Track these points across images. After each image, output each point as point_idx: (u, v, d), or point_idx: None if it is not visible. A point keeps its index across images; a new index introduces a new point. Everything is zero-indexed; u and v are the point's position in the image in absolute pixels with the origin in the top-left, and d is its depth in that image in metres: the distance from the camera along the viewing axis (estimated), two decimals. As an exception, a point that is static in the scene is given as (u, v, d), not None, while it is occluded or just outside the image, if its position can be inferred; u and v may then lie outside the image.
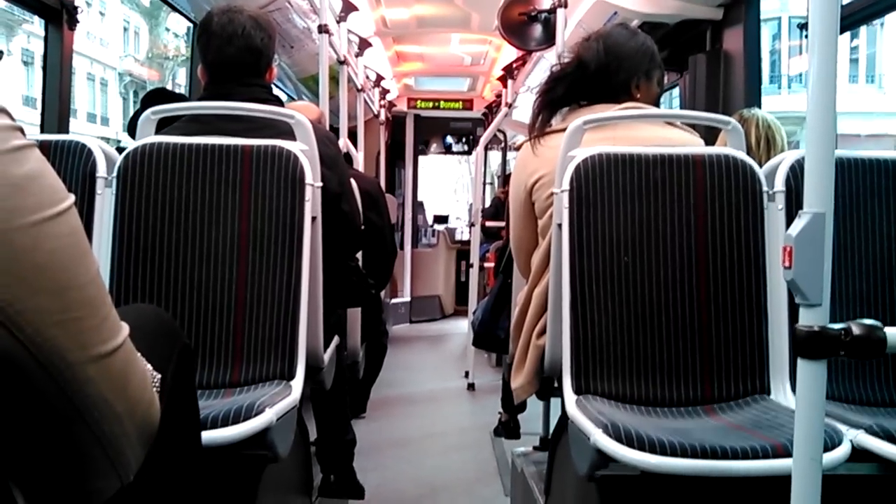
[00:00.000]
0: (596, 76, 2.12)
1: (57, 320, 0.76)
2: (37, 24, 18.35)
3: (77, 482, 0.86)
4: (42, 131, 2.80)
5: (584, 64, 2.13)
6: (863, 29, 19.30)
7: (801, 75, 19.60)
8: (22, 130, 0.76)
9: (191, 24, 4.22)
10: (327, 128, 3.24)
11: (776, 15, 19.12)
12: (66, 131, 2.87)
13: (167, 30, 26.70)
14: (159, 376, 1.03)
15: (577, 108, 2.15)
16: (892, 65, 20.76)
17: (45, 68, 2.86)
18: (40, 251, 0.74)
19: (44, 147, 0.77)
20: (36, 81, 20.37)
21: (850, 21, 2.86)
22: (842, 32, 1.13)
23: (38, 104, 2.91)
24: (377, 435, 4.25)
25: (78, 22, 2.82)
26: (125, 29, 26.54)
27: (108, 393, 0.82)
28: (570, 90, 2.15)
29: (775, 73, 20.28)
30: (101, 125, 24.29)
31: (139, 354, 0.92)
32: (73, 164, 1.98)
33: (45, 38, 2.85)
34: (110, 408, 0.83)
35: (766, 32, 19.01)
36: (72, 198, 0.79)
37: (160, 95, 3.03)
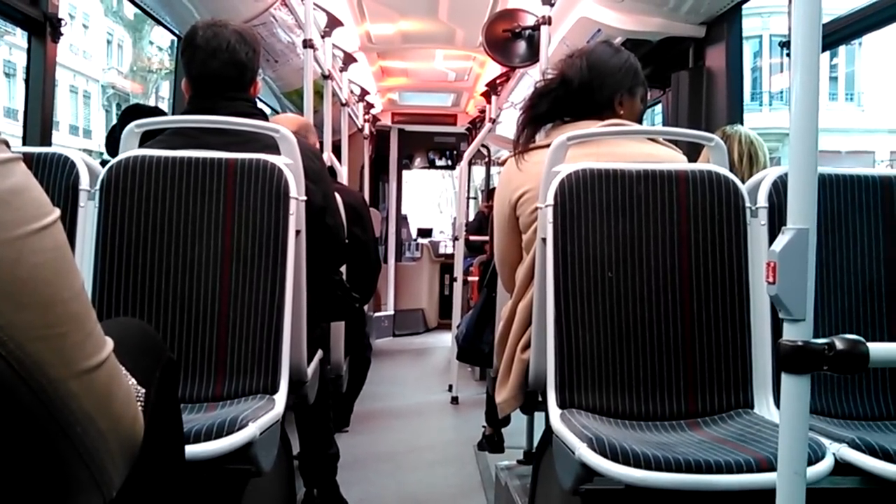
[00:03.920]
0: (579, 93, 2.13)
1: (41, 335, 0.75)
2: (19, 36, 18.22)
3: (59, 498, 0.84)
4: (24, 144, 2.79)
5: (568, 81, 2.14)
6: (842, 48, 19.51)
7: (782, 92, 19.78)
8: (7, 143, 0.75)
9: (175, 38, 4.21)
10: (315, 138, 3.23)
11: (757, 33, 19.29)
12: (49, 144, 2.85)
13: (151, 43, 26.61)
14: (143, 391, 1.02)
15: (561, 124, 2.16)
16: (871, 83, 20.99)
17: (27, 80, 2.85)
18: (24, 265, 0.73)
19: (26, 159, 0.76)
20: (18, 93, 20.20)
21: (831, 40, 2.89)
22: (823, 51, 1.14)
23: (21, 116, 2.89)
24: (361, 449, 4.23)
25: (62, 34, 2.81)
26: (108, 42, 26.43)
27: (92, 409, 0.82)
28: (553, 107, 2.16)
29: (757, 91, 20.44)
30: (83, 138, 24.15)
31: (123, 370, 0.91)
32: (55, 176, 1.97)
33: (28, 51, 2.84)
34: (93, 424, 0.82)
35: (747, 50, 19.16)
36: (57, 212, 0.79)
37: (136, 111, 3.02)
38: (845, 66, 21.01)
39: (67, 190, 1.96)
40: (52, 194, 1.89)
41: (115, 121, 3.54)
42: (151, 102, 25.52)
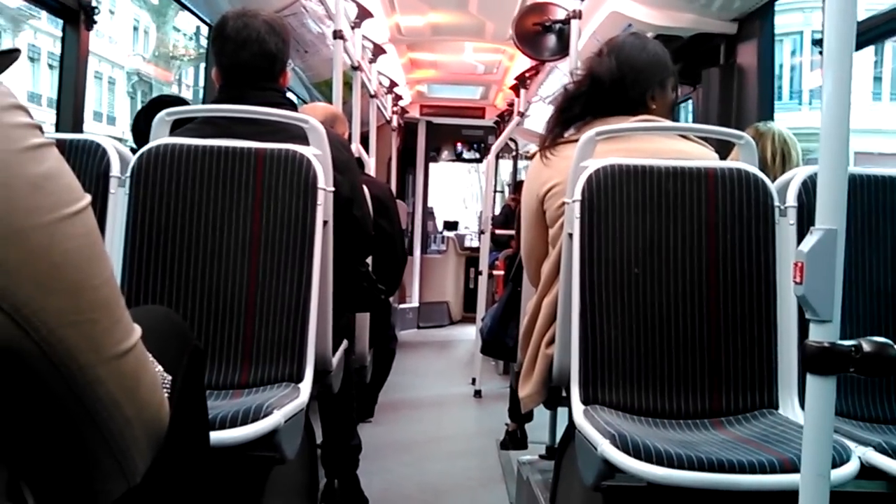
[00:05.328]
0: (611, 91, 2.11)
1: (71, 321, 0.75)
2: (44, 20, 18.25)
3: (84, 483, 0.85)
4: (57, 130, 2.82)
5: (599, 80, 2.12)
6: (888, 46, 18.95)
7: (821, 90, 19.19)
8: (41, 128, 0.76)
9: (200, 24, 4.23)
10: (345, 127, 3.23)
11: (798, 29, 18.71)
12: (81, 130, 2.88)
13: (178, 30, 26.54)
14: (169, 378, 1.03)
15: (592, 120, 2.14)
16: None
17: (61, 68, 2.88)
18: (56, 251, 0.73)
19: (59, 146, 0.77)
20: (41, 78, 20.27)
21: (866, 38, 2.85)
22: (857, 49, 1.12)
23: (44, 101, 2.93)
24: (383, 438, 4.25)
25: (95, 23, 2.84)
26: (135, 28, 26.36)
27: (119, 395, 0.82)
28: (585, 108, 2.15)
29: (796, 89, 19.90)
30: (107, 124, 24.04)
31: (150, 356, 0.92)
32: (87, 163, 1.99)
33: (63, 39, 2.87)
34: (120, 410, 0.83)
35: (787, 47, 18.68)
36: (88, 198, 0.79)
37: (160, 103, 3.05)
38: (892, 65, 20.29)
39: (98, 176, 1.98)
40: (83, 180, 1.90)
41: (139, 107, 3.56)
42: (175, 89, 25.49)
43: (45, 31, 18.77)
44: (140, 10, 26.31)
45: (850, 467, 1.47)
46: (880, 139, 18.12)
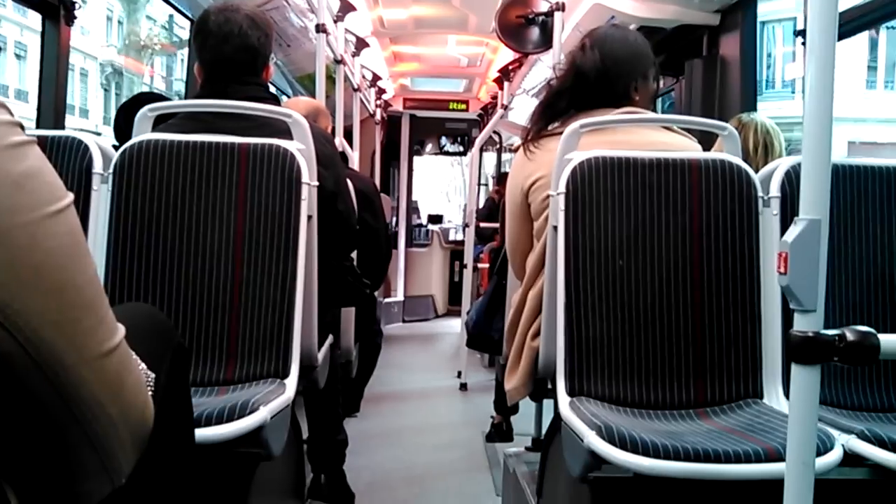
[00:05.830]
0: (596, 85, 2.10)
1: (54, 321, 0.75)
2: (10, 8, 17.90)
3: (69, 484, 0.85)
4: (38, 126, 2.80)
5: (584, 74, 2.12)
6: (882, 35, 18.80)
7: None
8: (22, 126, 0.75)
9: (174, 13, 4.20)
10: (328, 121, 3.22)
11: (790, 16, 18.37)
12: (63, 127, 2.86)
13: (153, 19, 25.87)
14: (153, 376, 1.02)
15: (576, 113, 2.14)
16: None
17: (41, 64, 2.86)
18: (38, 250, 0.73)
19: (40, 143, 0.76)
20: (8, 68, 19.79)
21: (850, 27, 2.86)
22: (840, 39, 1.13)
23: (11, 93, 2.91)
24: (369, 432, 4.25)
25: (75, 18, 2.82)
26: (108, 18, 25.65)
27: (103, 395, 0.82)
28: (570, 102, 2.15)
29: (787, 78, 19.67)
30: (79, 117, 23.28)
31: (135, 356, 0.91)
32: (69, 160, 1.98)
33: (42, 34, 2.84)
34: (104, 410, 0.82)
35: (778, 34, 18.53)
36: (70, 196, 0.78)
37: (140, 101, 3.03)
38: (885, 53, 20.03)
39: (81, 174, 1.97)
40: (65, 177, 1.89)
41: (114, 100, 3.54)
42: (148, 81, 25.05)
43: (11, 20, 18.35)
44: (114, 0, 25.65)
45: (834, 455, 1.49)
46: (875, 127, 18.04)
